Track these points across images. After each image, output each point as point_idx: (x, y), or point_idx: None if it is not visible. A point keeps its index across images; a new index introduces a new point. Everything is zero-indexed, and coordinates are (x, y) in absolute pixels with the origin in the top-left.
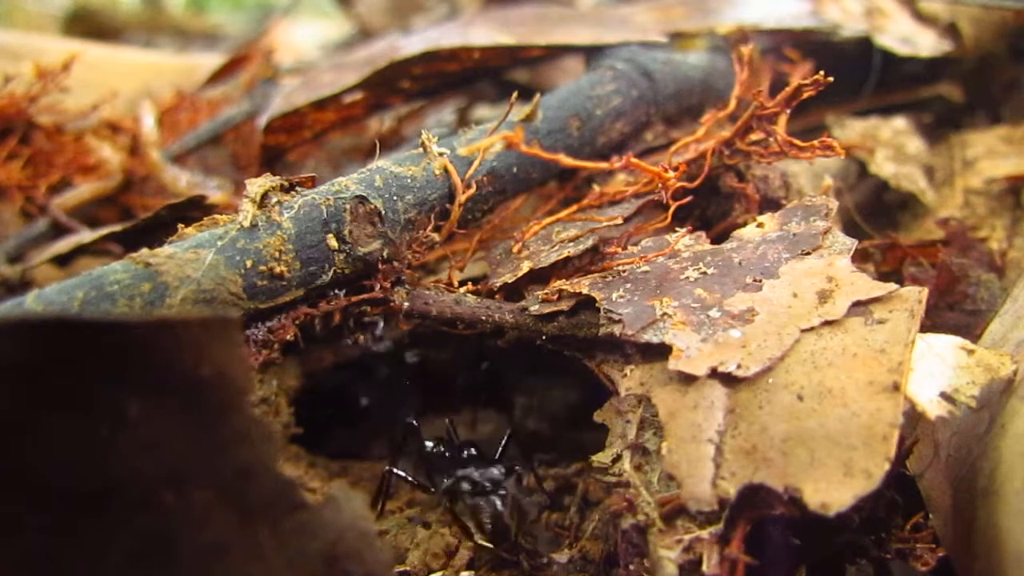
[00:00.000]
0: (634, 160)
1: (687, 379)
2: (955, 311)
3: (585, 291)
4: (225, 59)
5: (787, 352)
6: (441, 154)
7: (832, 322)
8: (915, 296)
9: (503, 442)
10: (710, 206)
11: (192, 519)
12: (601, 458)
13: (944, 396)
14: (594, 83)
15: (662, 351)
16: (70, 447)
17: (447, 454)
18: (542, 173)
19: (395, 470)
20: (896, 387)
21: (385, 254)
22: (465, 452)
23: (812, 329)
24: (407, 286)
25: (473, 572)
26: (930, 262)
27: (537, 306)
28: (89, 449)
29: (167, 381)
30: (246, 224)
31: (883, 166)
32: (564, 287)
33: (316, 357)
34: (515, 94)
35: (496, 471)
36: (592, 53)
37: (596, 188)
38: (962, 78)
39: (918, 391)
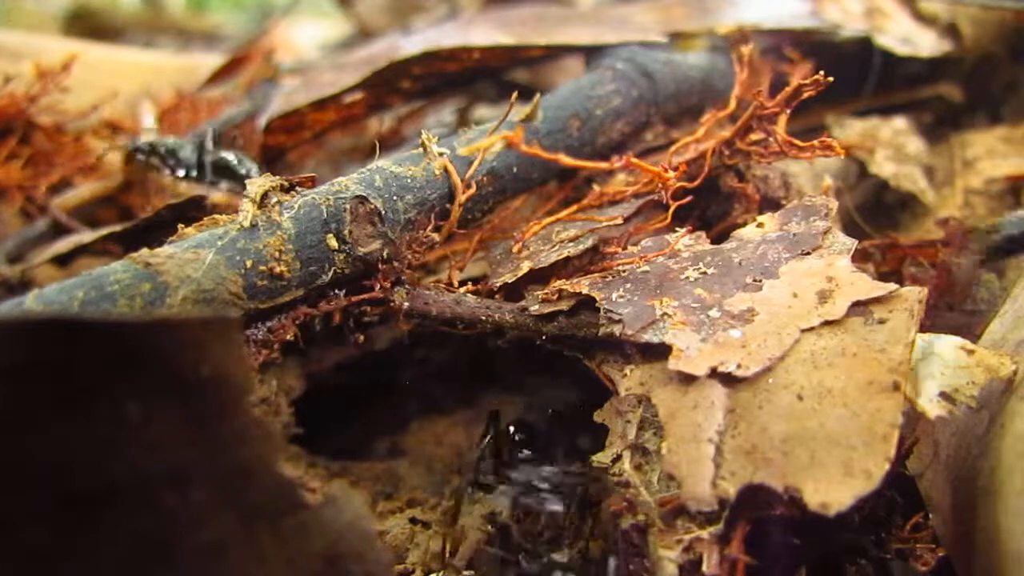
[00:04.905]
0: (634, 160)
1: (687, 379)
2: (955, 311)
3: (585, 291)
4: (225, 59)
5: (787, 352)
6: (441, 154)
7: (832, 322)
8: (915, 296)
9: None
10: (710, 206)
11: (192, 519)
12: (601, 458)
13: (944, 396)
14: (594, 83)
15: (662, 351)
16: (70, 447)
17: None
18: (542, 173)
19: None
20: (896, 387)
21: (385, 254)
22: None
23: (812, 329)
24: (407, 286)
25: (473, 572)
26: (930, 262)
27: (537, 306)
28: (89, 449)
29: (167, 381)
30: (246, 224)
31: (883, 166)
32: (564, 287)
33: (316, 357)
34: (515, 94)
35: None
36: (592, 53)
37: (596, 188)
38: (962, 78)
39: (918, 391)
